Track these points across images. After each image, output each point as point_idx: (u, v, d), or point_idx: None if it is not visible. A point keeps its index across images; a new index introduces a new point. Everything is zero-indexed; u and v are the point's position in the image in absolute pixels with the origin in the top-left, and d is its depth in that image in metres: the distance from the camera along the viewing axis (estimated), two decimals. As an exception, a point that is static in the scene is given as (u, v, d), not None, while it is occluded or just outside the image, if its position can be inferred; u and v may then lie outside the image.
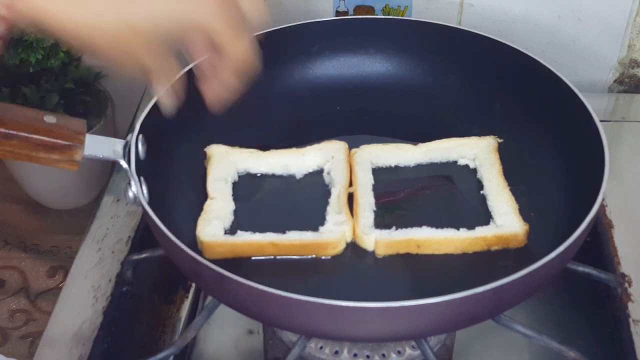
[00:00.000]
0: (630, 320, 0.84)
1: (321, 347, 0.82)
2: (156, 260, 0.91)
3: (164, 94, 0.72)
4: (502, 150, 0.88)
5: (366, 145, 0.89)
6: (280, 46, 0.96)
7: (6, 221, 1.15)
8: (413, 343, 0.81)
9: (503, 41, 0.93)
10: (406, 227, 0.81)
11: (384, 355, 0.81)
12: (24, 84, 1.04)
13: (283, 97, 0.97)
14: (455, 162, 0.89)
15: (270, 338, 0.84)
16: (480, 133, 0.90)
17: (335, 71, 0.99)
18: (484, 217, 0.82)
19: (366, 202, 0.83)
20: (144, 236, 0.94)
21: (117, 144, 0.79)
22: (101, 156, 0.78)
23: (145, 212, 0.76)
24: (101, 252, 0.92)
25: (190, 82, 0.89)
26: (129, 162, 0.78)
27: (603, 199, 0.85)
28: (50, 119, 0.76)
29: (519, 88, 0.92)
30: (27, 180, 1.13)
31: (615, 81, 1.15)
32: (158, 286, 0.93)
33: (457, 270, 0.78)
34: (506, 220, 0.81)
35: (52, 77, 1.04)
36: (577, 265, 0.82)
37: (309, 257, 0.80)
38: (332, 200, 0.84)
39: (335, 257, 0.80)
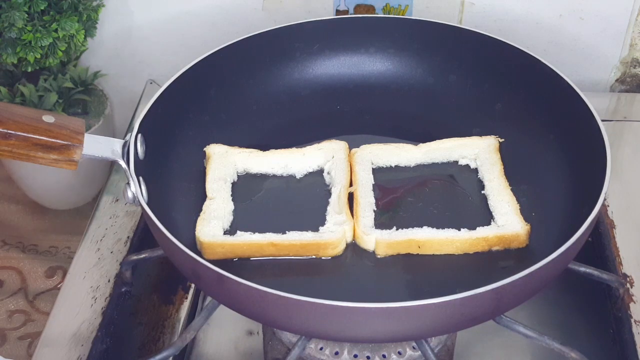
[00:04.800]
0: (632, 321, 0.84)
1: (321, 348, 0.81)
2: (155, 261, 0.91)
3: None
4: (503, 150, 0.88)
5: (366, 145, 0.89)
6: (281, 45, 0.96)
7: (4, 221, 1.15)
8: (414, 344, 0.81)
9: (504, 40, 0.93)
10: (407, 227, 0.80)
11: (384, 356, 0.81)
12: (23, 83, 1.03)
13: (283, 97, 0.96)
14: (456, 162, 0.89)
15: (270, 339, 0.84)
16: (481, 133, 0.90)
17: (335, 70, 0.98)
18: (485, 217, 0.82)
19: (366, 202, 0.83)
20: (143, 236, 0.93)
21: (116, 144, 0.79)
22: (100, 156, 0.78)
23: (144, 212, 0.76)
24: (100, 252, 0.92)
25: (190, 79, 0.89)
26: (127, 162, 0.78)
27: (605, 199, 0.84)
28: (48, 118, 0.75)
29: (520, 87, 0.92)
30: (26, 180, 1.12)
31: (617, 80, 1.14)
32: (157, 286, 0.92)
33: (458, 271, 0.78)
34: (507, 221, 0.81)
35: (50, 77, 1.04)
36: (579, 265, 0.82)
37: (309, 257, 0.79)
38: (333, 200, 0.83)
39: (335, 258, 0.79)
